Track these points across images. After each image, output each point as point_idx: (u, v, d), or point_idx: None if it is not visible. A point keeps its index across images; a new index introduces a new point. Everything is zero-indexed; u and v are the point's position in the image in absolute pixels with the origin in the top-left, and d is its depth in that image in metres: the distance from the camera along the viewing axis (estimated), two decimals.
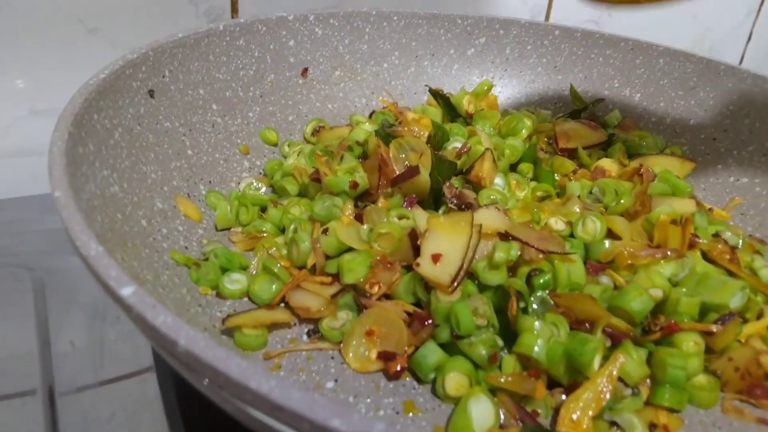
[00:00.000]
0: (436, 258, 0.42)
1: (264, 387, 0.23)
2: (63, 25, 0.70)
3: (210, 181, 0.55)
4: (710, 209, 0.58)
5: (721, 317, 0.43)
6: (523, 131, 0.62)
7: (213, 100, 0.59)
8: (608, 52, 0.74)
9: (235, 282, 0.45)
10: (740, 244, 0.53)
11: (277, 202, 0.54)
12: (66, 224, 0.30)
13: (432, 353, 0.40)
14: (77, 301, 0.57)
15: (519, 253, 0.43)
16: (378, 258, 0.44)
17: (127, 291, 0.26)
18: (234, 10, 0.78)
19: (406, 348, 0.41)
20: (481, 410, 0.37)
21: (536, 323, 0.40)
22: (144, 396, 0.50)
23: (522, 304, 0.42)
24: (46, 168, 0.35)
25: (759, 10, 1.26)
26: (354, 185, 0.50)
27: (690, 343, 0.42)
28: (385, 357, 0.40)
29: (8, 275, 0.60)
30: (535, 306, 0.42)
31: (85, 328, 0.57)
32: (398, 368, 0.39)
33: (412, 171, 0.48)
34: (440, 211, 0.50)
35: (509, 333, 0.42)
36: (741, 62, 1.31)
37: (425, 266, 0.42)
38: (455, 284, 0.41)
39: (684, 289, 0.44)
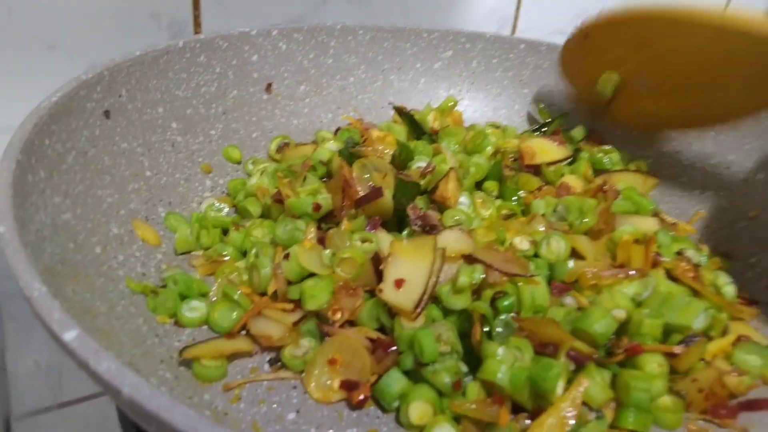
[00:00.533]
0: (399, 283, 0.42)
1: None
2: (21, 41, 0.68)
3: (170, 203, 0.54)
4: (674, 224, 0.59)
5: (685, 339, 0.43)
6: (489, 148, 0.62)
7: (173, 119, 0.58)
8: None
9: (194, 310, 0.44)
10: (703, 261, 0.53)
11: (239, 224, 0.53)
12: (9, 262, 0.29)
13: (395, 382, 0.40)
14: (36, 325, 0.56)
15: (483, 276, 0.43)
16: (341, 284, 0.44)
17: (69, 335, 0.25)
18: (197, 24, 0.77)
19: (369, 376, 0.40)
20: None
21: (500, 349, 0.40)
22: (102, 418, 0.49)
23: (486, 328, 0.41)
24: None
25: None
26: (317, 207, 0.49)
27: (654, 364, 0.42)
28: (348, 386, 0.40)
29: None
30: (499, 329, 0.42)
31: (46, 351, 0.56)
32: (361, 398, 0.39)
33: (376, 193, 0.48)
34: (404, 233, 0.49)
35: (473, 358, 0.41)
36: None
37: (388, 292, 0.41)
38: (419, 310, 0.41)
39: (647, 311, 0.44)
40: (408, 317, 0.41)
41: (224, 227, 0.53)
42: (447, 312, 0.43)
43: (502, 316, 0.42)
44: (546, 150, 0.63)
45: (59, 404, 0.52)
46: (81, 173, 0.45)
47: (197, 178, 0.58)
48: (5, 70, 0.68)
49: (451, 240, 0.45)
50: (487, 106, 0.77)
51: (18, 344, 0.56)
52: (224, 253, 0.49)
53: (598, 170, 0.63)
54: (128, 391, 0.23)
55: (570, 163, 0.64)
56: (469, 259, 0.44)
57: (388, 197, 0.48)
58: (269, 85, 0.67)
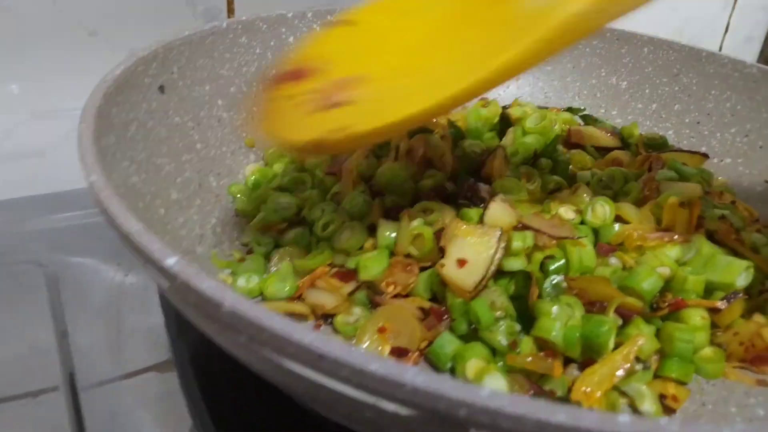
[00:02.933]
0: (461, 263, 0.43)
1: (306, 339, 0.25)
2: (63, 29, 0.71)
3: (219, 173, 0.57)
4: (733, 201, 0.59)
5: (727, 295, 0.45)
6: (555, 127, 0.62)
7: (218, 96, 0.61)
8: (595, 42, 0.77)
9: (249, 281, 0.46)
10: (742, 225, 0.54)
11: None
12: (105, 206, 0.32)
13: (449, 343, 0.42)
14: (90, 296, 0.59)
15: (533, 241, 0.45)
16: (397, 258, 0.46)
17: (171, 261, 0.28)
18: (230, 11, 0.80)
19: (419, 344, 0.43)
20: (495, 386, 0.39)
21: (554, 308, 0.42)
22: (165, 388, 0.51)
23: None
24: (49, 168, 0.36)
25: (735, 2, 1.30)
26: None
27: (697, 318, 0.44)
28: (398, 353, 0.42)
29: (21, 272, 0.61)
30: (548, 290, 0.44)
31: (101, 322, 0.58)
32: (410, 365, 0.41)
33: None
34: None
35: (525, 316, 0.43)
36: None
37: (450, 269, 0.43)
38: (477, 291, 0.43)
39: (690, 269, 0.47)
40: (465, 296, 0.43)
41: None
42: (497, 277, 0.45)
43: (552, 278, 0.45)
44: (594, 135, 0.64)
45: (121, 376, 0.54)
46: (143, 142, 0.48)
47: (242, 152, 0.61)
48: (50, 56, 0.72)
49: (498, 212, 0.48)
50: (512, 84, 0.79)
51: (76, 317, 0.59)
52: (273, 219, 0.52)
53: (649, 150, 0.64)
54: (229, 304, 0.26)
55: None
56: (519, 227, 0.46)
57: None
58: None
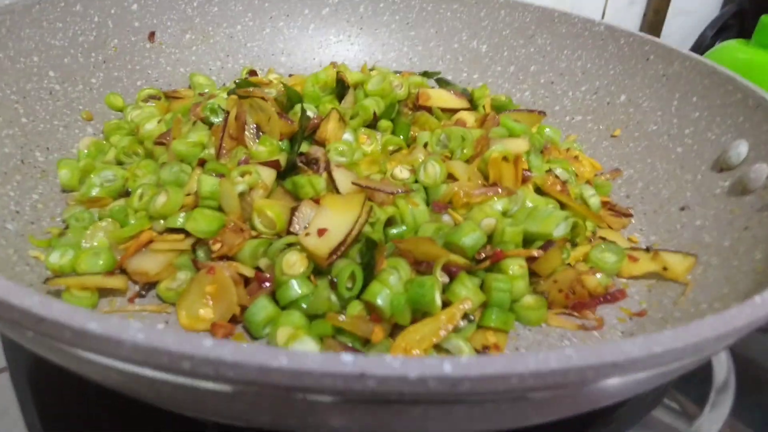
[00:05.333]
0: (321, 232, 0.42)
1: (26, 302, 0.23)
2: None
3: (48, 148, 0.54)
4: (576, 157, 0.61)
5: (544, 244, 0.46)
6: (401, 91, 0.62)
7: (49, 67, 0.57)
8: (455, 6, 0.77)
9: (62, 256, 0.43)
10: (570, 178, 0.56)
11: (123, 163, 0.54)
12: None
13: (262, 309, 0.40)
14: None
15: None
16: (231, 223, 0.44)
17: None
18: None
19: (236, 307, 0.41)
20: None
21: (392, 277, 0.41)
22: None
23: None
24: None
25: None
26: (202, 162, 0.49)
27: (515, 267, 0.44)
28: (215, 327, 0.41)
29: None
30: (386, 255, 0.43)
31: None
32: (222, 335, 0.40)
33: (274, 164, 0.48)
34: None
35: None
36: (602, 17, 1.39)
37: (308, 239, 0.42)
38: (333, 257, 0.41)
39: (509, 220, 0.47)
40: (321, 263, 0.42)
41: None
42: None
43: (391, 243, 0.45)
44: (442, 98, 0.64)
45: None
46: None
47: (77, 125, 0.58)
48: None
49: (342, 178, 0.47)
50: (377, 50, 0.79)
51: None
52: (97, 193, 0.49)
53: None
54: None
55: None
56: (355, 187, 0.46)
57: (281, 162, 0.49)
58: (152, 34, 0.68)
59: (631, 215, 0.56)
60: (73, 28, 0.60)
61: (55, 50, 0.58)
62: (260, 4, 0.75)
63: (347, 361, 0.22)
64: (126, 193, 0.50)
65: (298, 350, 0.22)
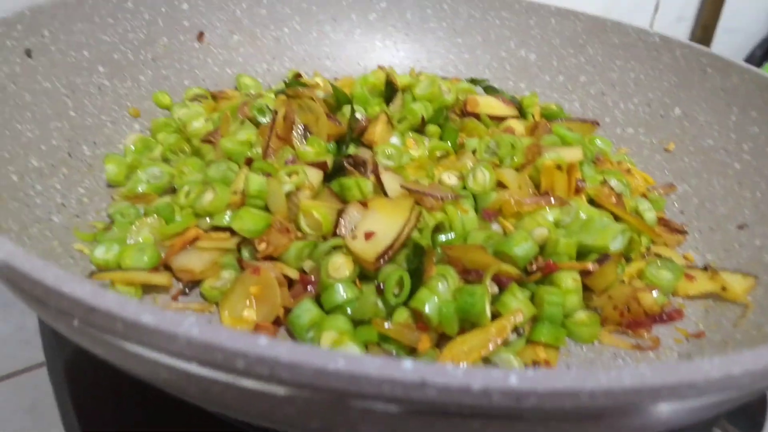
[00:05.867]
0: (368, 236, 0.41)
1: (78, 291, 0.23)
2: None
3: (95, 143, 0.54)
4: (628, 170, 0.59)
5: (599, 258, 0.44)
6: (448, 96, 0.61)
7: (99, 62, 0.58)
8: (503, 14, 0.76)
9: (108, 251, 0.43)
10: (625, 191, 0.54)
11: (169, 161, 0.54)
12: None
13: (306, 312, 0.40)
14: None
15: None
16: (278, 223, 0.44)
17: None
18: None
19: (280, 310, 0.40)
20: None
21: (440, 285, 0.40)
22: (31, 395, 0.48)
23: None
24: None
25: None
26: (249, 161, 0.49)
27: (568, 281, 0.43)
28: (258, 328, 0.40)
29: None
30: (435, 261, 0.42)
31: None
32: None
33: (321, 165, 0.48)
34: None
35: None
36: None
37: (355, 242, 0.41)
38: (381, 263, 0.40)
39: (563, 231, 0.46)
40: (368, 267, 0.41)
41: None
42: None
43: (439, 249, 0.44)
44: (491, 104, 0.62)
45: None
46: None
47: (125, 121, 0.58)
48: None
49: (390, 181, 0.46)
50: (423, 57, 0.78)
51: None
52: (143, 190, 0.49)
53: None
54: (4, 256, 0.24)
55: None
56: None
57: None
58: (201, 34, 0.68)
59: (686, 232, 0.53)
60: (124, 24, 0.61)
61: (105, 46, 0.59)
62: (308, 7, 0.74)
63: (408, 368, 0.21)
64: (172, 190, 0.49)
65: (356, 354, 0.21)
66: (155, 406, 0.40)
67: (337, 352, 0.21)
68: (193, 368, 0.23)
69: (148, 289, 0.42)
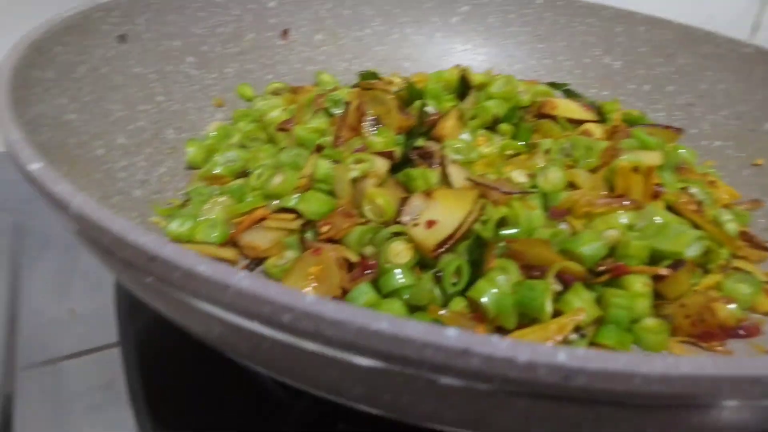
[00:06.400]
0: (430, 224, 0.41)
1: (141, 239, 0.24)
2: None
3: (179, 127, 0.57)
4: (713, 181, 0.56)
5: (673, 263, 0.43)
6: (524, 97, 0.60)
7: (188, 53, 0.61)
8: (589, 20, 0.74)
9: (182, 225, 0.45)
10: (707, 200, 0.51)
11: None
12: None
13: (363, 294, 0.40)
14: (49, 253, 0.58)
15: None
16: (342, 207, 0.45)
17: (34, 166, 0.28)
18: None
19: (338, 291, 0.41)
20: None
21: (500, 277, 0.39)
22: (108, 373, 0.50)
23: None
24: None
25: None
26: (319, 148, 0.50)
27: (638, 285, 0.41)
28: None
29: None
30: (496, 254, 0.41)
31: (55, 290, 0.57)
32: None
33: (388, 154, 0.48)
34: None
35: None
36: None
37: (416, 229, 0.41)
38: (440, 250, 0.41)
39: (636, 233, 0.44)
40: (427, 254, 0.41)
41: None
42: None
43: (502, 243, 0.43)
44: (569, 108, 0.61)
45: (66, 356, 0.53)
46: (92, 86, 0.48)
47: (208, 110, 0.61)
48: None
49: (457, 173, 0.46)
50: (503, 62, 0.77)
51: (31, 274, 0.58)
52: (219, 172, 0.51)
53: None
54: (77, 204, 0.26)
55: None
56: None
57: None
58: (286, 32, 0.70)
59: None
60: (213, 18, 0.64)
61: (195, 37, 0.62)
62: (391, 9, 0.75)
63: (451, 335, 0.21)
64: (246, 174, 0.51)
65: (399, 318, 0.21)
66: (221, 389, 0.41)
67: (382, 314, 0.21)
68: (244, 322, 0.23)
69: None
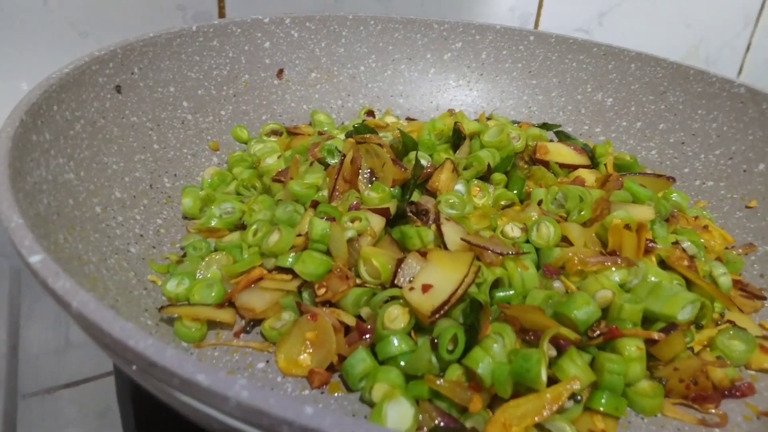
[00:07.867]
0: (425, 288, 0.41)
1: (140, 345, 0.24)
2: (55, 29, 0.72)
3: (175, 175, 0.57)
4: (705, 226, 0.56)
5: (666, 326, 0.42)
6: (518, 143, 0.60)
7: (184, 98, 0.61)
8: (581, 57, 0.75)
9: (179, 285, 0.45)
10: (699, 253, 0.52)
11: (242, 196, 0.56)
12: None
13: (360, 362, 0.40)
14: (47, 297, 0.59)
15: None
16: (338, 269, 0.45)
17: (35, 258, 0.28)
18: (221, 15, 0.80)
19: (335, 357, 0.41)
20: (398, 412, 0.37)
21: (495, 345, 0.39)
22: (104, 401, 0.50)
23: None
24: None
25: (758, 19, 1.25)
26: (315, 204, 0.50)
27: (632, 348, 0.41)
28: (312, 374, 0.41)
29: None
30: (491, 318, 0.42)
31: (54, 324, 0.58)
32: (318, 383, 0.40)
33: (384, 212, 0.48)
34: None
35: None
36: (739, 74, 1.31)
37: (412, 293, 0.41)
38: (436, 316, 0.40)
39: (628, 296, 0.44)
40: (423, 320, 0.41)
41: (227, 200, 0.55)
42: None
43: (496, 307, 0.43)
44: (561, 152, 0.61)
45: (64, 384, 0.53)
46: (88, 140, 0.49)
47: (204, 155, 0.61)
48: (40, 55, 0.73)
49: (452, 234, 0.46)
50: (496, 97, 0.78)
51: (30, 312, 0.59)
52: (215, 224, 0.51)
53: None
54: (77, 305, 0.26)
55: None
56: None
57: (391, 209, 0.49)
58: (281, 71, 0.70)
59: (765, 298, 0.51)
60: (209, 61, 0.64)
61: (190, 82, 0.62)
62: (384, 46, 0.76)
63: None
64: (242, 226, 0.51)
65: None
66: None
67: (383, 429, 0.22)
68: (244, 427, 0.24)
69: (212, 324, 0.44)
